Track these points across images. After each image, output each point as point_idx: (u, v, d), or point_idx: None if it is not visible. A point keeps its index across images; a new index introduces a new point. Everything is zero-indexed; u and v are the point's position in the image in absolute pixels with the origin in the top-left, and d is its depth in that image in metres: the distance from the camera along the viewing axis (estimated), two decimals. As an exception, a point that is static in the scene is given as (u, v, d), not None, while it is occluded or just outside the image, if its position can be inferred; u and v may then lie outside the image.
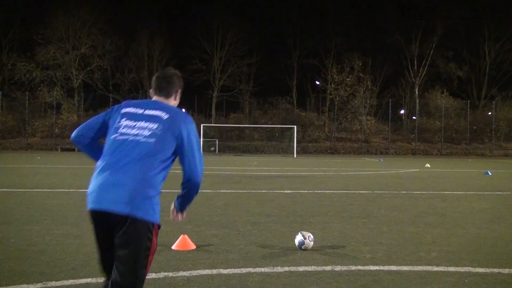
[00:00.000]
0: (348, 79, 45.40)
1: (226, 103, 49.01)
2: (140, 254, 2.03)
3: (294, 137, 35.69)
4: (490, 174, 15.53)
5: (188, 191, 2.25)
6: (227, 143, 43.25)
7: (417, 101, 48.78)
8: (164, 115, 2.20)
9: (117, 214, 2.02)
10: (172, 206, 2.39)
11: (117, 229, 2.05)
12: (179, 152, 2.18)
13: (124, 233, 2.02)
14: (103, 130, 2.28)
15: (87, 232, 4.76)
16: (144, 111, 2.22)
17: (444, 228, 5.64)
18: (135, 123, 2.20)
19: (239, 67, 48.99)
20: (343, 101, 45.65)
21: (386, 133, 46.05)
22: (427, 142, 45.92)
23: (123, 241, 2.02)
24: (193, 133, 2.24)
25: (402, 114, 50.31)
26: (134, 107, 2.26)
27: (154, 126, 2.16)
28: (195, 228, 4.96)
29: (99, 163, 2.17)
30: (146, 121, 2.18)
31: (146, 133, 2.13)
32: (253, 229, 5.20)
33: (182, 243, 4.24)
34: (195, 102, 46.19)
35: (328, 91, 46.60)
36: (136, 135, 2.15)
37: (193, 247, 4.27)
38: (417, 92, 49.15)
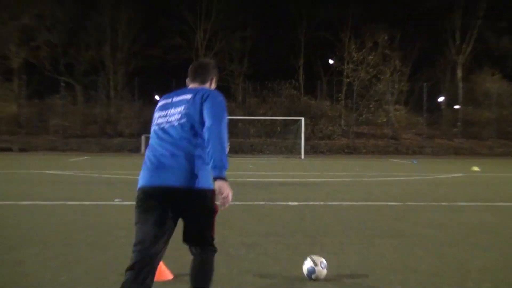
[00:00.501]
0: (370, 58, 43.97)
1: None
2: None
3: (301, 133, 34.73)
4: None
5: (212, 138, 2.72)
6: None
7: (460, 85, 47.85)
8: (188, 96, 2.90)
9: (178, 187, 2.79)
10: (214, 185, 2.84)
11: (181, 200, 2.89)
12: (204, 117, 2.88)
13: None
14: None
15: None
16: (172, 99, 2.96)
17: (498, 251, 5.52)
18: (165, 112, 2.95)
19: (229, 42, 47.54)
20: (364, 85, 44.27)
21: (420, 127, 45.13)
22: (474, 139, 44.90)
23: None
24: (216, 103, 2.83)
25: (440, 102, 49.32)
26: (164, 99, 3.03)
27: (181, 108, 2.87)
28: (172, 253, 4.54)
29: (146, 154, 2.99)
30: (174, 107, 2.91)
31: (177, 116, 2.85)
32: (248, 253, 5.20)
33: (156, 271, 3.93)
34: (173, 86, 42.46)
35: (345, 73, 45.23)
36: (170, 121, 2.89)
37: (170, 277, 4.21)
38: (460, 74, 48.05)
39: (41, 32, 44.49)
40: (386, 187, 12.56)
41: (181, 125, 2.84)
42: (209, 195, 2.80)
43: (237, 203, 8.81)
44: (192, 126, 2.82)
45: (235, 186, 10.18)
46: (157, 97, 45.07)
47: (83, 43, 47.45)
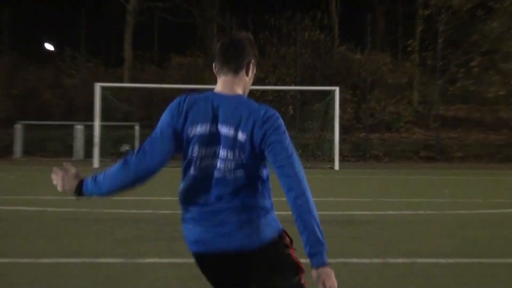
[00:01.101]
0: None
1: (161, 32, 41.37)
2: None
3: (334, 118, 27.78)
4: None
5: (305, 212, 3.10)
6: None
7: None
8: (240, 135, 3.02)
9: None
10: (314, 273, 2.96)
11: None
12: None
13: None
14: None
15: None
16: (218, 127, 3.10)
17: None
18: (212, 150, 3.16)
19: None
20: (461, 24, 36.83)
21: None
22: None
23: None
24: (284, 138, 3.03)
25: None
26: (204, 120, 3.13)
27: (231, 153, 3.07)
28: None
29: None
30: (223, 145, 3.08)
31: (229, 166, 3.08)
32: None
33: None
34: (81, 24, 38.04)
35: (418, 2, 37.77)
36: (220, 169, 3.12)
37: None
38: None
39: None
40: (508, 229, 11.33)
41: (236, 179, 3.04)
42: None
43: None
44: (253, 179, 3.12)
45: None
46: (49, 46, 42.71)
47: None
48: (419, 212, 13.66)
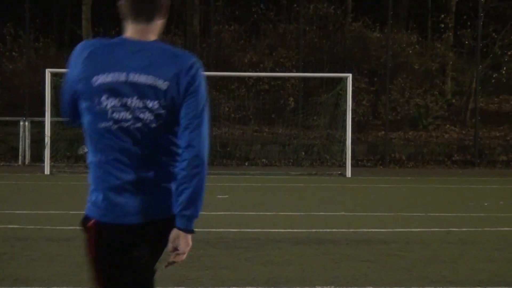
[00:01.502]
0: None
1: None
2: None
3: (346, 113, 28.21)
4: None
5: (195, 175, 3.33)
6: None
7: None
8: (162, 83, 3.34)
9: None
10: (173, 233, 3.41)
11: None
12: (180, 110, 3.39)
13: None
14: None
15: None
16: (129, 76, 3.36)
17: None
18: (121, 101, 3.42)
19: None
20: None
21: None
22: None
23: None
24: (203, 93, 3.42)
25: None
26: (110, 70, 3.41)
27: (152, 104, 3.39)
28: None
29: None
30: (138, 96, 3.38)
31: (147, 116, 3.38)
32: None
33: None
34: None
35: None
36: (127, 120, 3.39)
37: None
38: None
39: None
40: None
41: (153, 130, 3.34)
42: None
43: None
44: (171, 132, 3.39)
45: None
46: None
47: None
48: (452, 229, 13.70)
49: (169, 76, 3.30)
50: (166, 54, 3.41)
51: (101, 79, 3.32)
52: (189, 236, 3.41)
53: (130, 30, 3.40)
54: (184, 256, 3.47)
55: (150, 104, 3.31)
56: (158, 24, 3.48)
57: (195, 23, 43.23)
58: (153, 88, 3.31)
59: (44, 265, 9.48)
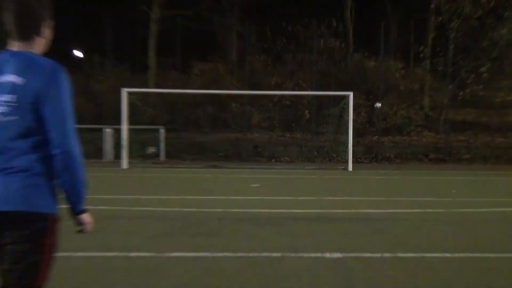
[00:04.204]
0: None
1: (183, 39, 41.18)
2: None
3: (348, 122, 27.69)
4: None
5: (67, 171, 3.00)
6: (185, 134, 36.15)
7: None
8: (18, 80, 2.98)
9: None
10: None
11: None
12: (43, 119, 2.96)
13: None
14: None
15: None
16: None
17: None
18: None
19: None
20: (470, 30, 36.54)
21: None
22: None
23: None
24: (64, 94, 3.01)
25: None
26: None
27: (8, 98, 2.98)
28: None
29: None
30: None
31: (4, 109, 2.96)
32: None
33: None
34: (106, 30, 37.98)
35: (433, 5, 38.05)
36: None
37: None
38: None
39: None
40: (510, 225, 11.55)
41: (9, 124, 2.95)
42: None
43: (230, 254, 8.21)
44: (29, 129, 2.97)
45: (226, 223, 11.48)
46: (77, 53, 43.64)
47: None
48: (428, 210, 13.93)
49: (30, 76, 2.99)
50: (33, 60, 3.05)
51: None
52: (84, 215, 3.21)
53: (12, 45, 3.09)
54: (90, 227, 3.29)
55: (6, 98, 2.98)
56: (37, 42, 3.13)
57: (233, 54, 43.35)
58: (13, 84, 2.97)
59: (122, 237, 9.52)
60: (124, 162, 27.68)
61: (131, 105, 29.18)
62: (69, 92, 3.03)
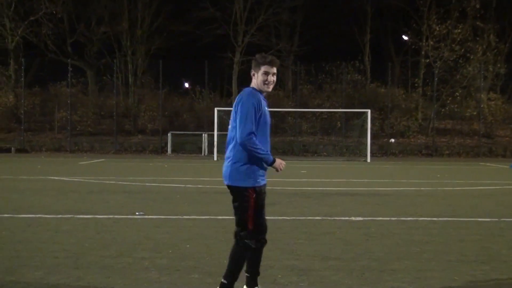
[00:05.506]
0: (456, 32, 38.30)
1: None
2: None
3: (367, 129, 31.13)
4: None
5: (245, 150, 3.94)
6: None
7: None
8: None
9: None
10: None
11: None
12: None
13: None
14: None
15: None
16: None
17: None
18: None
19: (276, 13, 41.84)
20: (449, 68, 38.82)
21: (522, 122, 36.44)
22: None
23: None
24: (242, 103, 3.85)
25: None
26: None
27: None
28: (203, 278, 5.00)
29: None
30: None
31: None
32: (299, 281, 5.00)
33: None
34: (205, 70, 38.58)
35: (423, 52, 39.69)
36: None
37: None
38: None
39: (43, 2, 37.98)
40: (475, 199, 12.14)
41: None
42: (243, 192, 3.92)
43: (287, 218, 8.69)
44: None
45: (284, 197, 11.27)
46: (186, 85, 44.71)
47: (94, 16, 40.87)
48: (421, 188, 14.39)
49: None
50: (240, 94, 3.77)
51: None
52: (274, 164, 4.08)
53: None
54: (282, 166, 4.16)
55: None
56: (252, 81, 3.98)
57: (289, 84, 45.30)
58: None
59: (200, 207, 9.61)
60: (215, 156, 29.03)
61: (220, 118, 29.94)
62: (246, 107, 3.81)
